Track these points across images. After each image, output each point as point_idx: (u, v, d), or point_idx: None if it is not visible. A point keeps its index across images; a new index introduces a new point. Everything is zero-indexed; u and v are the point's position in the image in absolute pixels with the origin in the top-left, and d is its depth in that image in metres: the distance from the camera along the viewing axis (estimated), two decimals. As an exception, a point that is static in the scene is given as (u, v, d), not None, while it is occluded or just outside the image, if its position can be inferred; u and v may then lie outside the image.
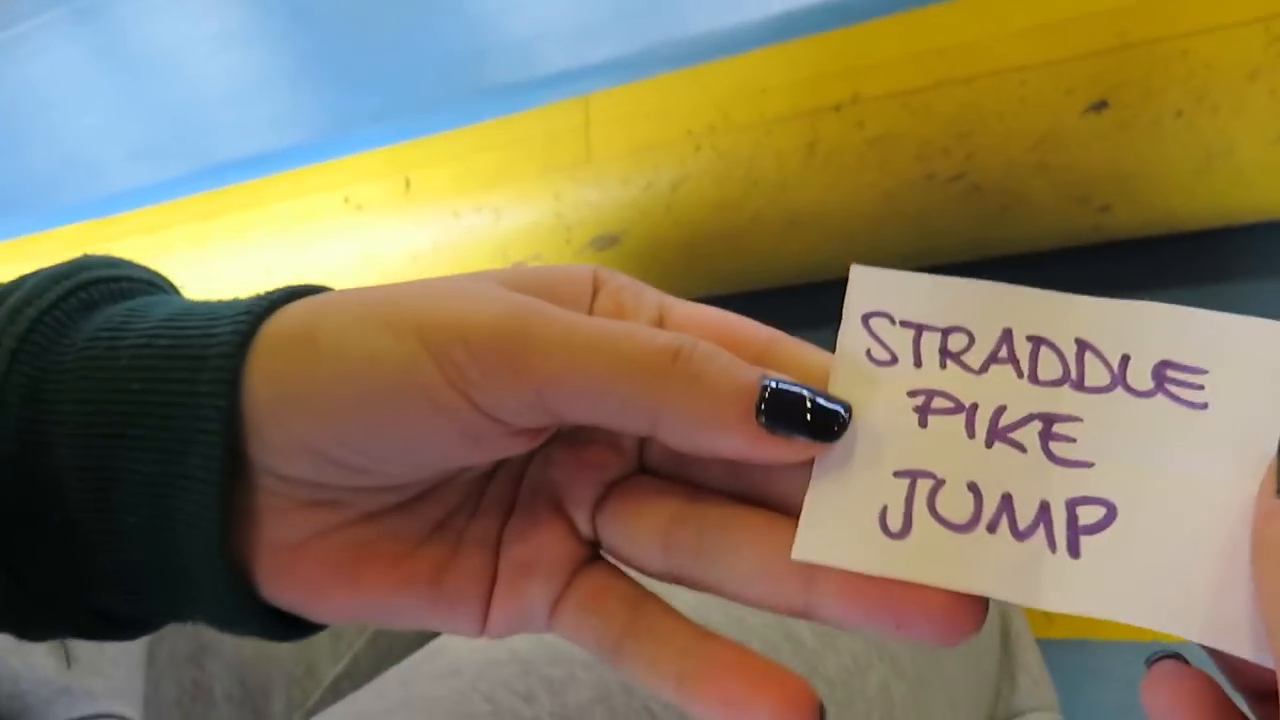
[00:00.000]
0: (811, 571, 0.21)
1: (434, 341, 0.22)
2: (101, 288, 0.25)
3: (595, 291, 0.25)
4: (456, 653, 0.37)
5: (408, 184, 0.97)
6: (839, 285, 0.79)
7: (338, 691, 0.47)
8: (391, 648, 0.49)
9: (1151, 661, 0.20)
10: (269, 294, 0.24)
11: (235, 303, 0.24)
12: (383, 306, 0.23)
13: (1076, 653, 0.53)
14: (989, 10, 0.71)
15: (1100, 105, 0.67)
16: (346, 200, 0.99)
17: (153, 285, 0.27)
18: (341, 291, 0.24)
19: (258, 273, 1.02)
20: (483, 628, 0.25)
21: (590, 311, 0.25)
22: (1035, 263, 0.77)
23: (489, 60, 1.06)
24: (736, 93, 0.79)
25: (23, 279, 0.25)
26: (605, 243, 0.87)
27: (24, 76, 2.24)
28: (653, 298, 0.26)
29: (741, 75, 0.80)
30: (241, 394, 0.22)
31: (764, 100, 0.77)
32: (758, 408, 0.21)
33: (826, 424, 0.21)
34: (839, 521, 0.21)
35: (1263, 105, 0.63)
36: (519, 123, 0.92)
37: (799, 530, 0.22)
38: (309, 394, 0.22)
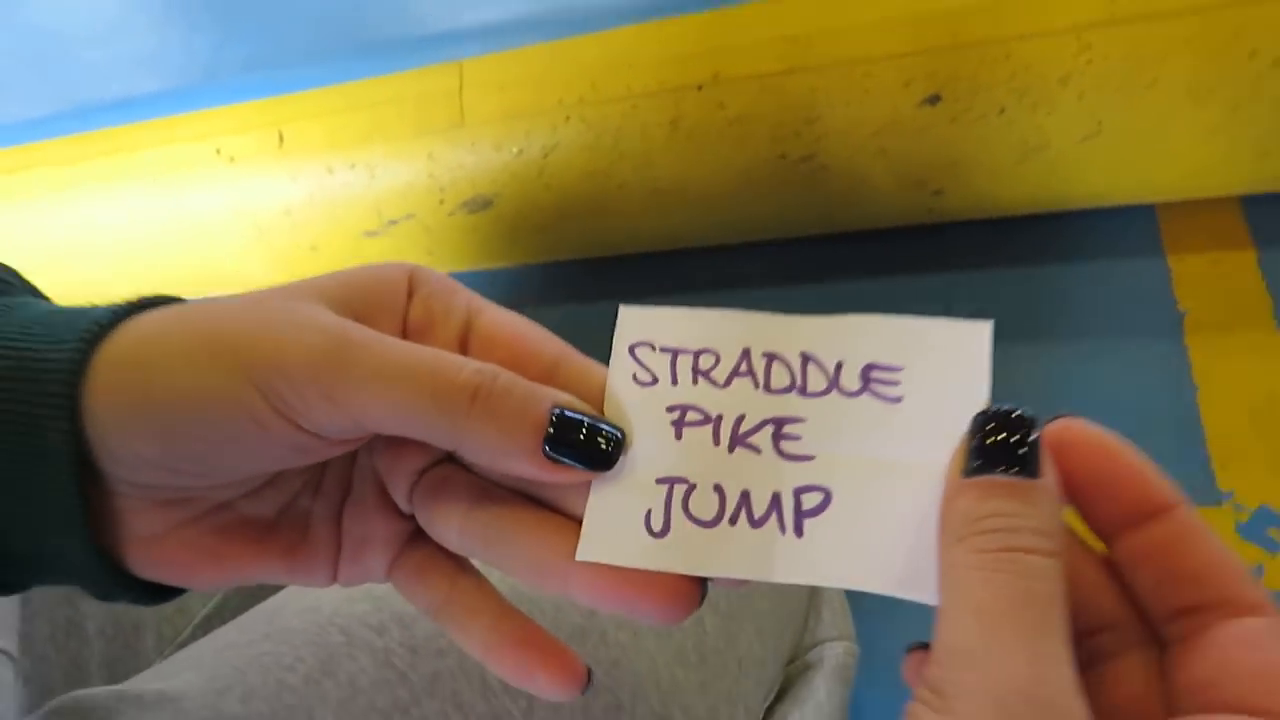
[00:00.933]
0: (567, 568, 0.25)
1: (258, 375, 0.24)
2: None
3: (411, 294, 0.28)
4: (316, 592, 0.41)
5: (281, 138, 0.97)
6: (698, 253, 0.84)
7: (207, 628, 0.50)
8: (257, 591, 0.52)
9: (909, 650, 0.24)
10: (104, 314, 0.25)
11: (74, 318, 0.26)
12: (209, 338, 0.24)
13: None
14: (839, 3, 0.76)
15: (934, 99, 0.73)
16: (218, 151, 0.99)
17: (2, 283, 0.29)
18: (170, 315, 0.26)
19: (124, 221, 1.01)
20: (333, 581, 0.29)
21: (405, 316, 0.27)
22: (876, 239, 0.83)
23: (365, 17, 1.07)
24: (606, 67, 0.82)
25: None
26: (479, 204, 0.90)
27: None
28: (462, 303, 0.28)
29: (611, 50, 0.83)
30: (83, 416, 0.24)
31: (631, 76, 0.81)
32: (545, 441, 0.24)
33: (604, 455, 0.25)
34: (613, 526, 0.25)
35: (1072, 107, 0.70)
36: (394, 83, 0.93)
37: (581, 537, 0.25)
38: (146, 421, 0.24)
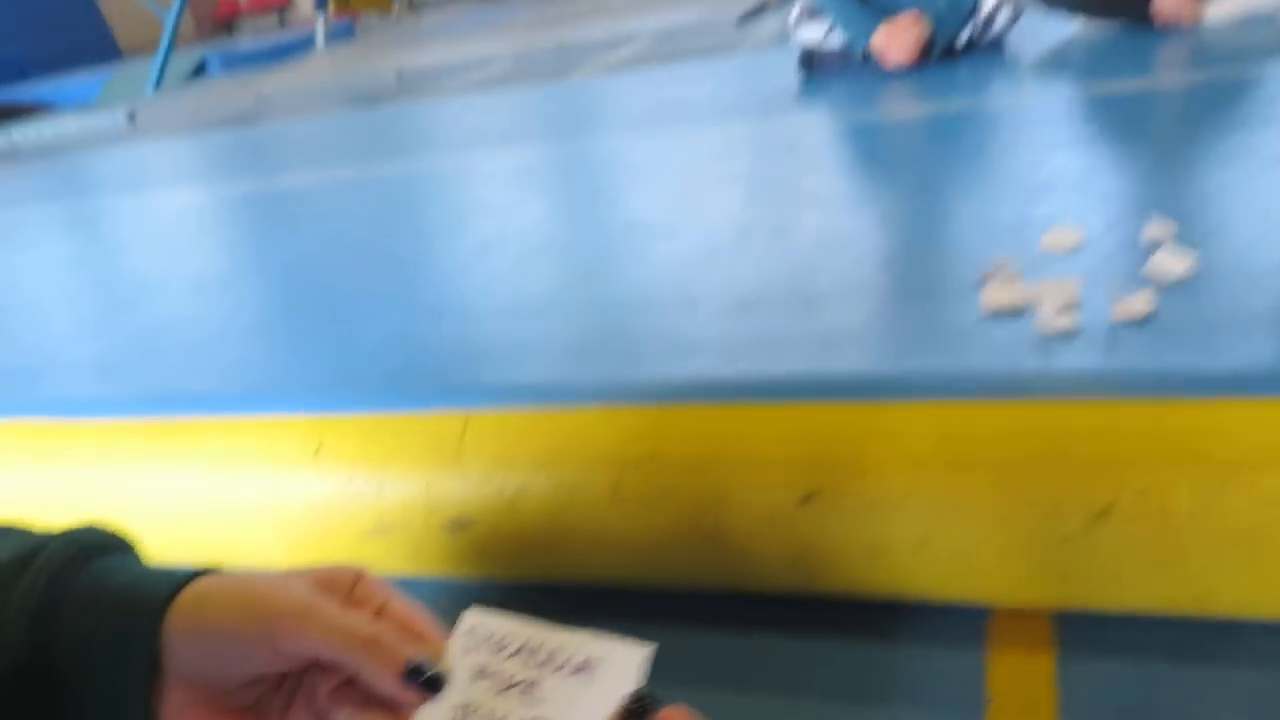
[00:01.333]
0: None
1: (265, 619, 0.43)
2: (93, 548, 0.48)
3: (355, 582, 0.48)
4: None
5: (318, 449, 1.21)
6: (626, 592, 1.08)
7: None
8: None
9: None
10: (182, 576, 0.44)
11: (166, 576, 0.45)
12: (240, 596, 0.44)
13: None
14: (741, 416, 1.00)
15: (809, 498, 0.95)
16: (267, 453, 1.23)
17: (120, 548, 0.49)
18: (218, 581, 0.45)
19: (186, 497, 1.24)
20: None
21: (351, 592, 0.47)
22: (768, 603, 1.02)
23: (402, 363, 1.34)
24: (571, 438, 1.06)
25: (48, 539, 0.48)
26: (457, 527, 1.11)
27: (9, 264, 2.50)
28: (382, 591, 0.48)
29: (578, 424, 1.07)
30: (162, 636, 0.43)
31: (587, 447, 1.05)
32: (403, 677, 0.44)
33: (434, 687, 0.45)
34: None
35: (908, 518, 0.91)
36: (413, 421, 1.18)
37: None
38: (197, 639, 0.43)
